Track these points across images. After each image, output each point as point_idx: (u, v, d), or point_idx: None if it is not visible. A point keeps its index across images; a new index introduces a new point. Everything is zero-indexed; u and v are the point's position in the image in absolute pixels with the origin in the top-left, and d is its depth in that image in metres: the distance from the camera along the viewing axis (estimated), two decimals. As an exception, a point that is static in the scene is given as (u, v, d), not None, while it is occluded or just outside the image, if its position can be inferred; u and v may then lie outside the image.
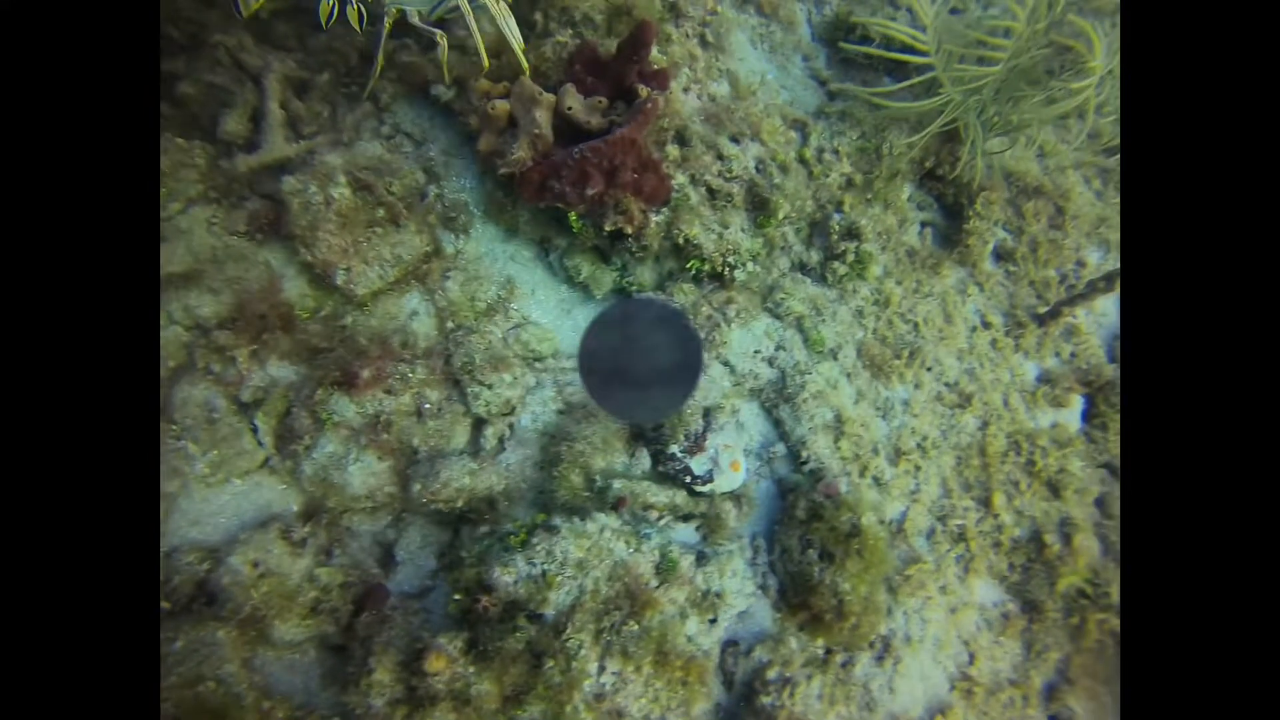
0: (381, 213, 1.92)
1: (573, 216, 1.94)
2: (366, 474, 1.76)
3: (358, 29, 1.92)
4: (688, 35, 2.41)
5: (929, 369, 2.38)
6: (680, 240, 2.00)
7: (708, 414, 1.94)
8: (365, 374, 1.75)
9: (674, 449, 1.87)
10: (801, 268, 2.37)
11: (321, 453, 1.76)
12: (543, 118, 1.85)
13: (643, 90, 1.89)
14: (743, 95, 2.49)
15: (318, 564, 1.69)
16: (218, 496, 1.74)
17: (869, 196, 2.55)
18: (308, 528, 1.73)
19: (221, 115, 1.95)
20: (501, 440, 1.94)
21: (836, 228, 2.33)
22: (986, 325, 2.65)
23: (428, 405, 1.83)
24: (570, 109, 1.87)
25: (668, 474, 1.89)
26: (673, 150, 2.06)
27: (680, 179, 2.01)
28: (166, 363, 1.80)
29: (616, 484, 1.81)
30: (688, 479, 1.86)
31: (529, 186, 1.86)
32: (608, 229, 1.92)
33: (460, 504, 1.76)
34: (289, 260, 1.95)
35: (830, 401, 2.13)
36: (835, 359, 2.23)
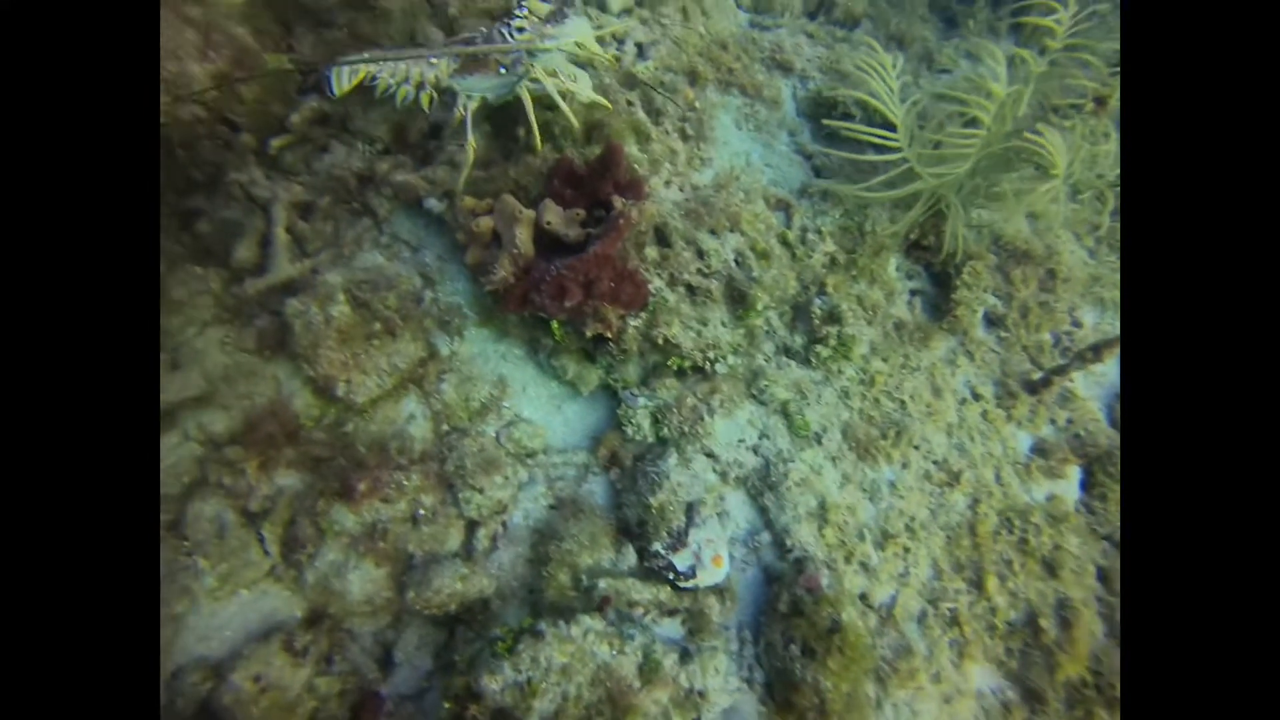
0: (378, 326, 2.08)
1: (555, 324, 2.08)
2: (365, 581, 1.89)
3: (426, 110, 2.21)
4: (668, 132, 2.56)
5: (916, 447, 2.43)
6: (660, 340, 2.11)
7: (691, 509, 2.03)
8: (362, 486, 1.88)
9: (657, 546, 1.96)
10: (786, 351, 2.46)
11: (323, 561, 1.89)
12: (523, 234, 2.00)
13: (618, 202, 2.03)
14: (725, 183, 2.62)
15: (317, 673, 1.80)
16: (225, 609, 1.88)
17: (853, 274, 2.64)
18: (309, 635, 1.85)
19: (234, 245, 2.14)
20: (494, 539, 2.05)
21: (818, 312, 2.42)
22: (977, 397, 2.69)
23: (422, 511, 1.96)
24: (549, 223, 2.01)
25: (653, 569, 1.97)
26: (652, 252, 2.19)
27: (658, 282, 2.14)
28: (181, 479, 1.96)
29: (602, 583, 1.89)
30: (671, 575, 1.94)
31: (512, 299, 2.01)
32: (589, 334, 2.05)
33: (453, 608, 1.87)
34: (294, 373, 2.11)
35: (814, 488, 2.20)
36: (819, 444, 2.30)
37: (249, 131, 2.22)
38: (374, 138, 2.38)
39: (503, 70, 2.05)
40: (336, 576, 1.88)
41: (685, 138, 2.63)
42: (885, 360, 2.55)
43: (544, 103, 2.35)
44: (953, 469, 2.43)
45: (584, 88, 2.37)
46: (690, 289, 2.23)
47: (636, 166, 2.39)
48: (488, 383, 2.24)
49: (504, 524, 2.08)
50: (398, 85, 2.15)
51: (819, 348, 2.41)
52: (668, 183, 2.52)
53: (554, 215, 2.02)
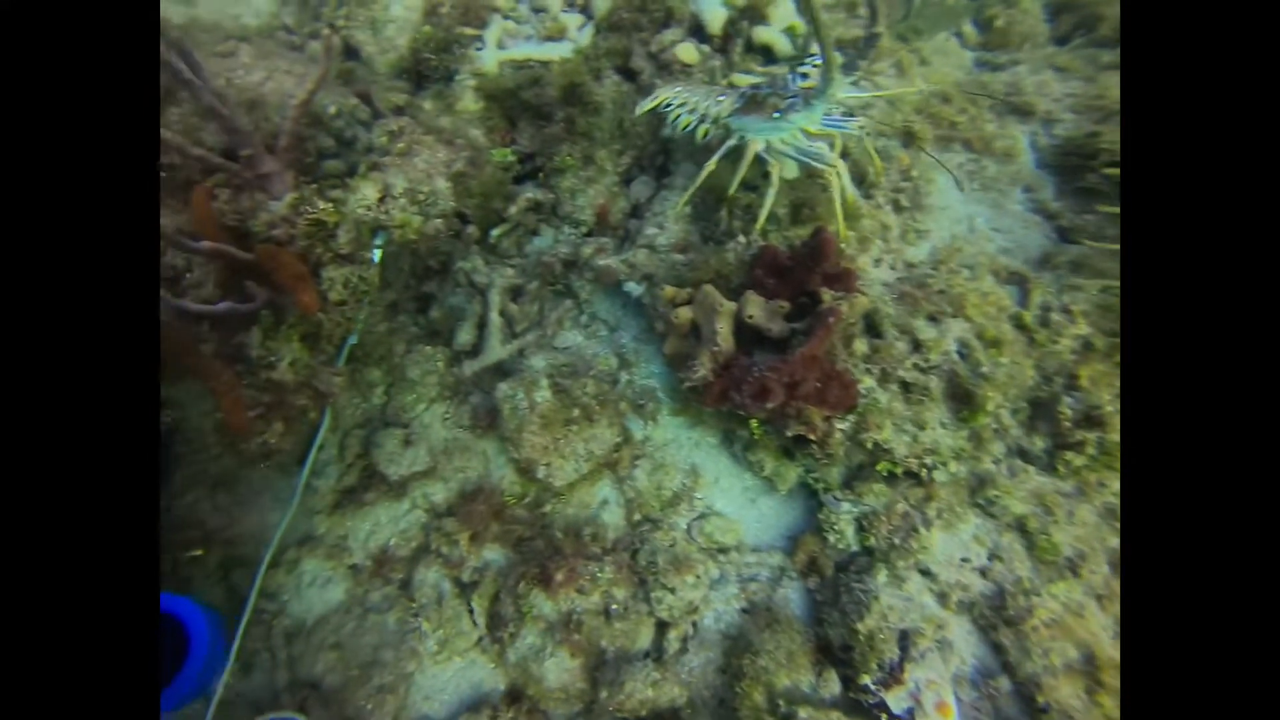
0: (577, 412, 2.20)
1: (754, 423, 2.03)
2: (560, 669, 1.97)
3: (698, 141, 2.33)
4: (879, 205, 2.42)
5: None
6: (869, 445, 1.97)
7: (905, 638, 1.84)
8: (559, 576, 1.99)
9: (866, 680, 1.80)
10: (1020, 454, 2.16)
11: (523, 643, 2.02)
12: (723, 328, 1.99)
13: (826, 295, 1.95)
14: (945, 258, 2.41)
15: (516, 754, 1.91)
16: (443, 673, 2.07)
17: (1118, 361, 2.26)
18: (510, 713, 1.97)
19: (457, 328, 2.42)
20: (685, 640, 2.03)
21: (1068, 412, 2.10)
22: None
23: (614, 606, 2.01)
24: (751, 317, 1.99)
25: (860, 705, 1.82)
26: (861, 345, 2.06)
27: (868, 382, 2.00)
28: (410, 543, 2.23)
29: (803, 713, 1.78)
30: (884, 717, 1.77)
31: (710, 395, 2.00)
32: (790, 434, 1.98)
33: (643, 714, 1.88)
34: (501, 450, 2.31)
35: (1073, 634, 1.88)
36: (1076, 575, 1.97)
37: (474, 223, 2.50)
38: (579, 221, 2.56)
39: (776, 115, 2.10)
40: (535, 660, 1.99)
41: (899, 209, 2.47)
42: (1158, 470, 2.13)
43: (748, 182, 2.36)
44: None
45: (791, 164, 2.33)
46: (905, 386, 2.06)
47: (844, 247, 2.28)
48: (680, 471, 2.26)
49: (695, 624, 2.06)
50: (687, 114, 2.32)
51: (1069, 454, 2.08)
52: (878, 261, 2.37)
53: (756, 308, 1.99)
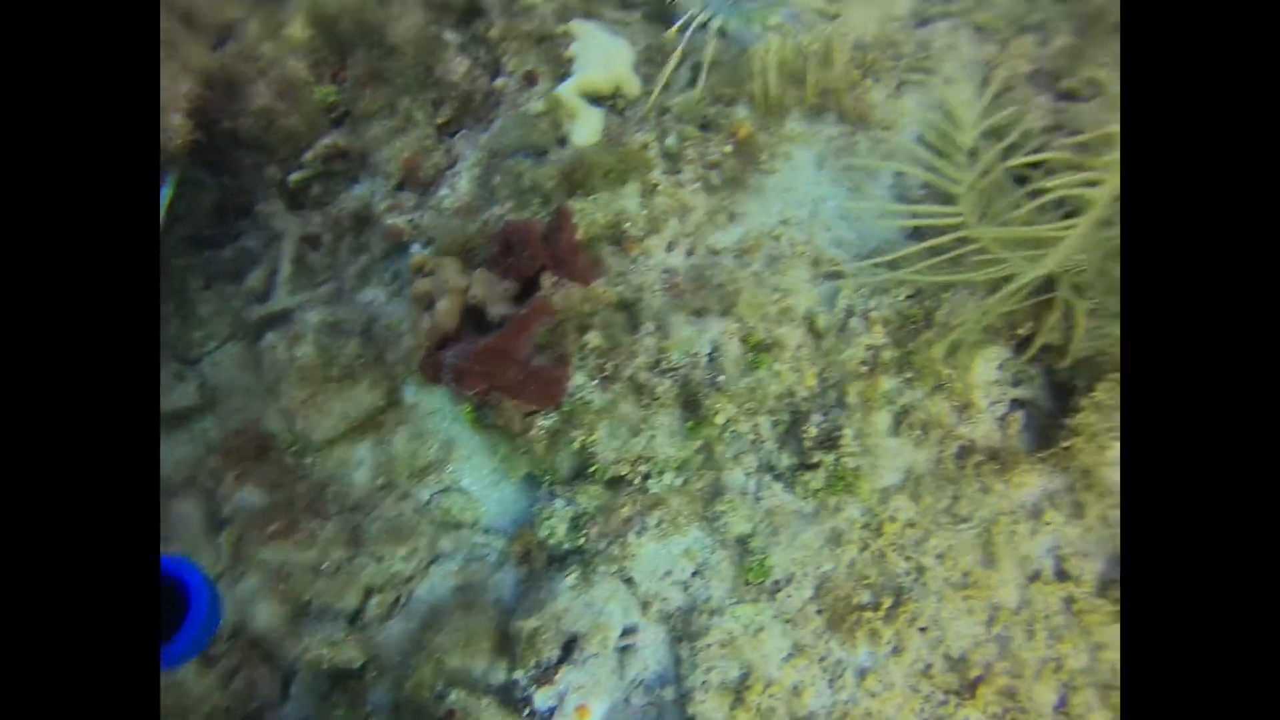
0: (336, 371, 2.26)
1: (466, 408, 2.05)
2: (269, 614, 2.14)
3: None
4: (681, 184, 2.28)
5: (923, 629, 1.93)
6: (575, 445, 1.96)
7: (572, 642, 1.89)
8: (273, 527, 2.12)
9: (519, 675, 1.88)
10: (770, 470, 2.10)
11: (245, 585, 2.19)
12: (445, 306, 1.99)
13: (545, 281, 1.90)
14: (750, 248, 2.28)
15: (219, 685, 2.12)
16: (181, 599, 2.28)
17: (908, 376, 2.14)
18: (224, 645, 2.17)
19: (249, 272, 2.49)
20: (395, 605, 2.16)
21: (813, 431, 2.01)
22: (1064, 576, 2.02)
23: (326, 565, 2.13)
24: (474, 297, 1.97)
25: (513, 697, 1.90)
26: (594, 338, 2.01)
27: (580, 379, 1.96)
28: (183, 474, 2.40)
29: (454, 694, 1.89)
30: (526, 712, 1.86)
31: (427, 370, 2.02)
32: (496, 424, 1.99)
33: (324, 667, 2.03)
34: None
35: (742, 654, 1.89)
36: (773, 598, 1.95)
37: (279, 164, 2.52)
38: (389, 174, 2.53)
39: None
40: (251, 602, 2.16)
41: (710, 189, 2.32)
42: (918, 500, 2.05)
43: (536, 147, 2.27)
44: (970, 673, 1.89)
45: (588, 128, 2.23)
46: (638, 388, 2.01)
47: (628, 225, 2.18)
48: (438, 442, 2.31)
49: (409, 593, 2.17)
50: None
51: (806, 475, 2.01)
52: (671, 245, 2.26)
53: (481, 289, 1.97)
